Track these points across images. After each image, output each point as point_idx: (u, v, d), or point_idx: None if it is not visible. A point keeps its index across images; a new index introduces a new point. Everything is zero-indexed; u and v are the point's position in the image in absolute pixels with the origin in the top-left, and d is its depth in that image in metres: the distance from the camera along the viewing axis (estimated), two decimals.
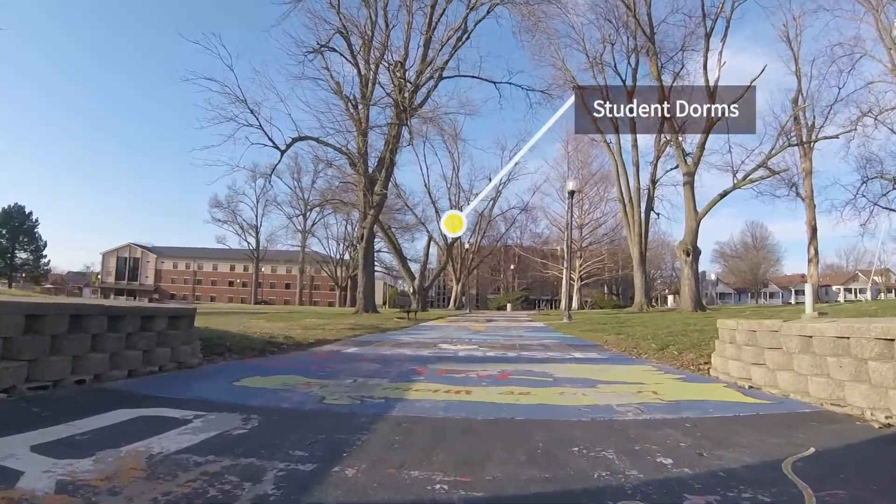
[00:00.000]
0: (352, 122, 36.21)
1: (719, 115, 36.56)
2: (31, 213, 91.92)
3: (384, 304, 58.89)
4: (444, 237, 62.41)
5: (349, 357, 9.93)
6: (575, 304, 65.33)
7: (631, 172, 44.87)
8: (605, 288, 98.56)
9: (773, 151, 38.84)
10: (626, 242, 77.19)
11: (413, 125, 49.24)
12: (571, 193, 28.38)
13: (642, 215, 43.87)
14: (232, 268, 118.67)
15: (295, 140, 34.48)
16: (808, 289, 24.28)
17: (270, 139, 33.02)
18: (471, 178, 71.07)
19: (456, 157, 65.31)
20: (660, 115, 44.39)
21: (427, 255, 52.74)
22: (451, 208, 64.25)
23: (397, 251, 48.22)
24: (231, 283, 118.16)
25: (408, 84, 33.71)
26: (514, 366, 8.71)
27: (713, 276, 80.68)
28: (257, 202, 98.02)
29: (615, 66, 44.58)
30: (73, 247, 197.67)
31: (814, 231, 50.69)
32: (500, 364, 8.97)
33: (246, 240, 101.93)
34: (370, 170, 36.57)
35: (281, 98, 35.90)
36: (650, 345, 11.29)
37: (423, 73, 34.95)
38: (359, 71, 35.08)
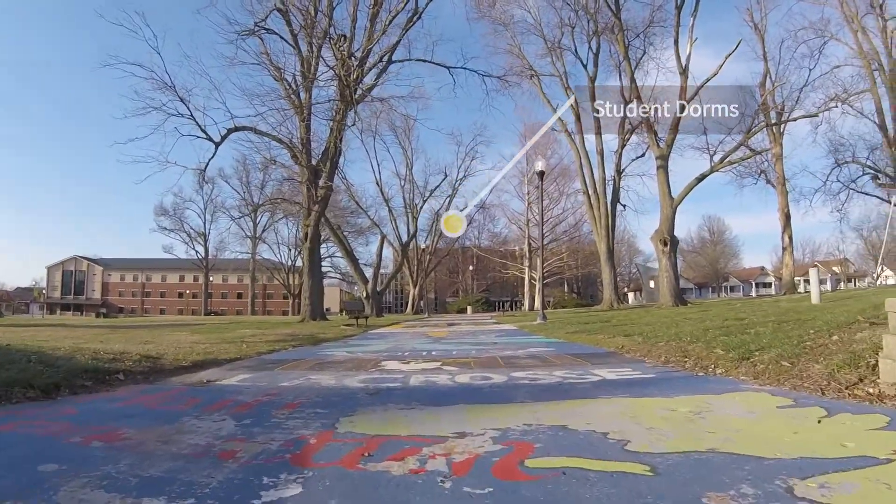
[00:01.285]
0: (293, 109, 31.90)
1: (693, 94, 33.90)
2: None
3: (340, 311, 54.03)
4: (399, 238, 58.13)
5: (209, 398, 5.51)
6: (537, 303, 61.46)
7: (595, 162, 41.36)
8: (566, 287, 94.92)
9: (753, 130, 35.59)
10: (587, 239, 75.56)
11: (361, 113, 45.20)
12: (541, 174, 24.23)
13: (608, 207, 40.35)
14: (181, 278, 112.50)
15: (231, 131, 30.00)
16: (813, 274, 20.74)
17: (203, 130, 28.90)
18: (426, 173, 66.82)
19: (409, 152, 61.05)
20: (626, 98, 41.33)
21: (380, 256, 48.45)
22: (405, 206, 60.27)
23: (348, 252, 43.64)
24: (181, 295, 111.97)
25: (353, 58, 29.23)
26: (524, 415, 4.30)
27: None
28: (205, 209, 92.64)
29: (575, 51, 41.19)
30: (17, 261, 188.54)
31: (787, 218, 47.56)
32: (492, 412, 4.56)
33: (194, 248, 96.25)
34: (314, 161, 32.39)
35: (215, 85, 31.07)
36: (710, 350, 7.21)
37: (371, 49, 30.66)
38: (299, 52, 30.96)
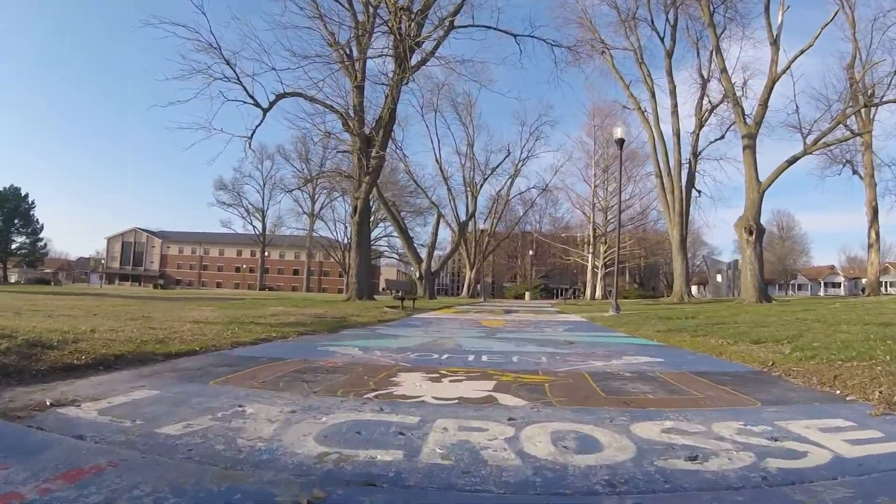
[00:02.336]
0: (345, 73, 28.99)
1: (785, 67, 29.85)
2: (27, 196, 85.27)
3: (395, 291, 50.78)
4: (457, 218, 54.95)
5: None
6: (598, 292, 57.80)
7: (671, 144, 37.49)
8: (627, 276, 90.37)
9: (848, 110, 31.30)
10: (652, 228, 71.34)
11: (422, 88, 42.20)
12: (621, 143, 20.58)
13: (683, 192, 36.67)
14: (239, 253, 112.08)
15: (279, 97, 27.30)
16: None
17: (251, 96, 26.14)
18: (487, 151, 63.37)
19: (471, 130, 57.71)
20: (704, 77, 37.35)
21: (436, 235, 45.09)
22: (465, 185, 56.95)
23: (402, 230, 40.54)
24: (238, 269, 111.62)
25: (408, 12, 26.05)
26: None
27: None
28: (263, 184, 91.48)
29: (651, 22, 37.37)
30: (77, 232, 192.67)
31: (875, 212, 42.87)
32: None
33: (252, 224, 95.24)
34: (367, 130, 29.43)
35: (265, 48, 27.97)
36: None
37: (430, 4, 27.42)
38: (353, 11, 28.00)
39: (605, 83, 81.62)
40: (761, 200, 29.32)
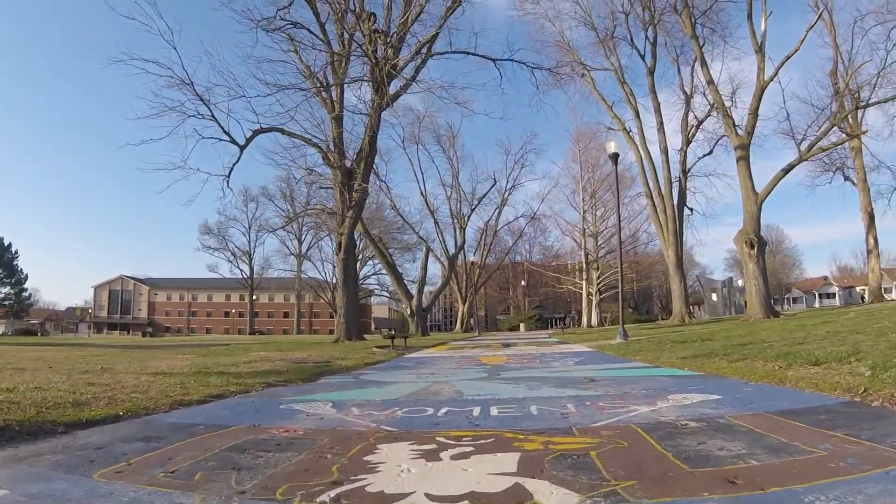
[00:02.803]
0: (323, 106, 28.15)
1: (772, 74, 28.86)
2: (9, 246, 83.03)
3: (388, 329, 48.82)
4: (446, 251, 53.57)
5: None
6: (594, 319, 56.26)
7: (659, 163, 36.60)
8: (620, 301, 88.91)
9: (839, 114, 30.26)
10: (643, 251, 70.05)
11: (402, 120, 41.31)
12: (615, 157, 19.19)
13: (675, 211, 35.70)
14: (227, 297, 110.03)
15: (256, 133, 26.31)
16: None
17: (226, 132, 25.24)
18: (473, 181, 61.98)
19: (455, 161, 56.74)
20: (687, 93, 36.52)
21: (425, 269, 43.38)
22: (452, 217, 55.71)
23: (390, 266, 38.87)
24: (227, 314, 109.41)
25: (383, 35, 24.89)
26: None
27: (740, 283, 71.61)
28: (249, 227, 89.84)
29: (631, 40, 37.05)
30: (64, 281, 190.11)
31: (871, 218, 42.11)
32: None
33: (238, 267, 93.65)
34: (348, 163, 28.56)
35: (239, 84, 26.66)
36: None
37: (405, 31, 26.37)
38: (328, 43, 27.05)
39: (588, 106, 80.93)
40: (760, 212, 28.15)
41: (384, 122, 32.40)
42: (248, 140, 26.22)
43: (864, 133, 36.46)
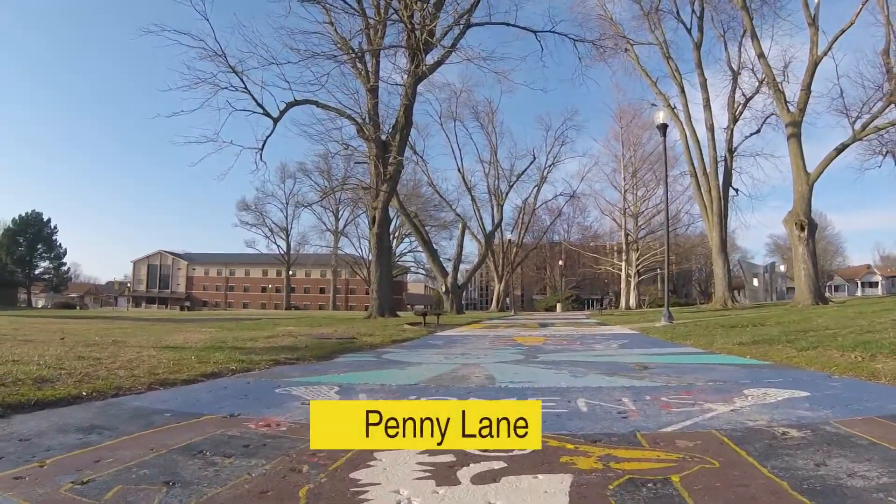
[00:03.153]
0: (358, 77, 27.34)
1: (826, 49, 26.98)
2: (48, 220, 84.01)
3: (425, 307, 47.86)
4: (483, 229, 52.46)
5: None
6: (632, 301, 54.81)
7: (705, 141, 34.67)
8: (659, 283, 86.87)
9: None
10: (684, 233, 67.71)
11: (439, 95, 40.32)
12: (663, 129, 17.94)
13: (720, 191, 33.92)
14: (264, 273, 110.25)
15: (290, 105, 25.63)
16: None
17: (259, 105, 24.57)
18: (511, 157, 60.54)
19: (493, 137, 55.32)
20: (735, 70, 34.73)
21: (461, 246, 42.11)
22: (490, 194, 54.51)
23: (425, 242, 37.93)
24: (264, 289, 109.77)
25: (420, 1, 23.89)
26: None
27: (783, 268, 69.47)
28: (286, 203, 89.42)
29: (677, 13, 34.75)
30: (105, 256, 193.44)
31: None
32: None
33: (276, 242, 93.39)
34: (383, 136, 27.61)
35: (273, 56, 25.76)
36: None
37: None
38: (362, 9, 26.02)
39: (631, 82, 78.80)
40: (811, 193, 26.60)
41: (421, 97, 31.46)
42: (282, 112, 25.72)
43: None
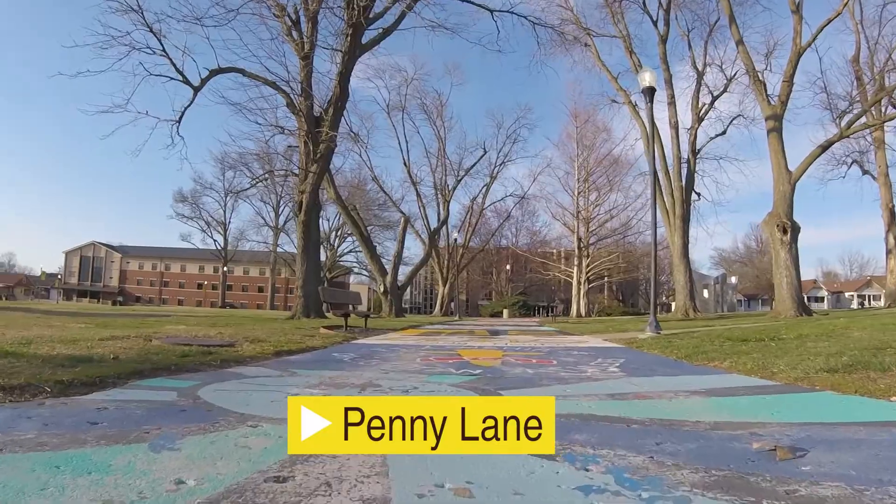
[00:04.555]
0: (292, 44, 23.65)
1: (811, 40, 24.61)
2: None
3: (370, 309, 42.76)
4: (427, 227, 48.60)
5: None
6: (582, 309, 51.66)
7: (668, 139, 32.44)
8: (605, 292, 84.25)
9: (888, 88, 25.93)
10: (637, 239, 65.02)
11: (389, 83, 36.71)
12: (651, 92, 14.13)
13: (683, 193, 31.55)
14: (201, 269, 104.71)
15: (213, 73, 22.41)
16: None
17: (179, 71, 21.51)
18: (461, 150, 56.75)
19: (442, 133, 51.65)
20: (699, 70, 32.26)
21: (402, 243, 37.65)
22: (436, 189, 50.77)
23: (363, 237, 33.57)
24: (200, 286, 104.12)
25: None
26: None
27: (733, 280, 67.54)
28: (225, 196, 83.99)
29: (644, 4, 32.09)
30: (42, 247, 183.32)
31: (892, 215, 38.05)
32: None
33: (212, 237, 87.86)
34: (317, 111, 23.93)
35: (196, 17, 21.38)
36: None
37: None
38: None
39: (589, 80, 76.32)
40: (793, 192, 23.77)
41: (367, 85, 27.64)
42: (204, 81, 22.20)
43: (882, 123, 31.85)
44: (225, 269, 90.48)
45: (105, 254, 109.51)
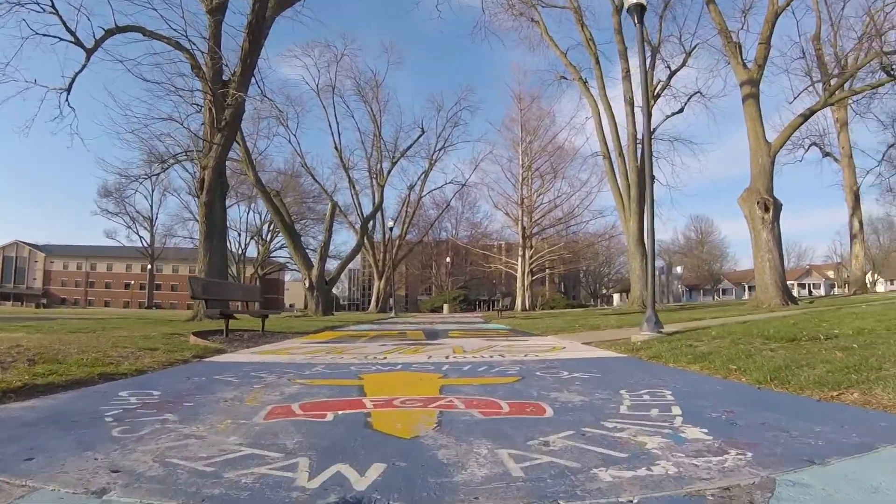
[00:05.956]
0: None
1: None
2: None
3: (305, 307, 38.13)
4: (361, 215, 44.38)
5: None
6: (527, 302, 48.16)
7: (622, 117, 28.94)
8: (548, 284, 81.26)
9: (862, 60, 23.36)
10: (581, 230, 62.09)
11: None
12: (640, 10, 10.42)
13: (638, 175, 27.88)
14: (128, 268, 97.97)
15: (110, 32, 18.29)
16: None
17: (69, 30, 17.48)
18: (396, 131, 53.21)
19: (378, 115, 47.48)
20: (654, 47, 29.30)
21: (330, 231, 32.92)
22: (370, 173, 46.57)
23: (285, 225, 28.84)
24: (127, 286, 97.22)
25: None
26: None
27: (678, 270, 65.48)
28: (152, 190, 77.46)
29: None
30: None
31: (857, 198, 36.37)
32: None
33: (137, 233, 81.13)
34: (227, 75, 19.74)
35: None
36: None
37: None
38: None
39: (534, 59, 73.66)
40: (773, 166, 20.82)
41: (294, 60, 23.33)
42: (99, 42, 18.03)
43: (845, 101, 29.31)
44: (151, 267, 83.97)
45: (28, 253, 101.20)
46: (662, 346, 7.07)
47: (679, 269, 64.97)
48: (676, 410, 3.32)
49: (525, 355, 6.95)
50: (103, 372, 5.25)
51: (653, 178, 26.16)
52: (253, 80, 20.33)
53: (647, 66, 29.79)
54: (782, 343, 6.28)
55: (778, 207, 20.13)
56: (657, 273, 56.61)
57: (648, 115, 10.96)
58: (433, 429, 2.90)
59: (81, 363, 5.57)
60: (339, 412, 3.39)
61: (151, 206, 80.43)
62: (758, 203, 19.84)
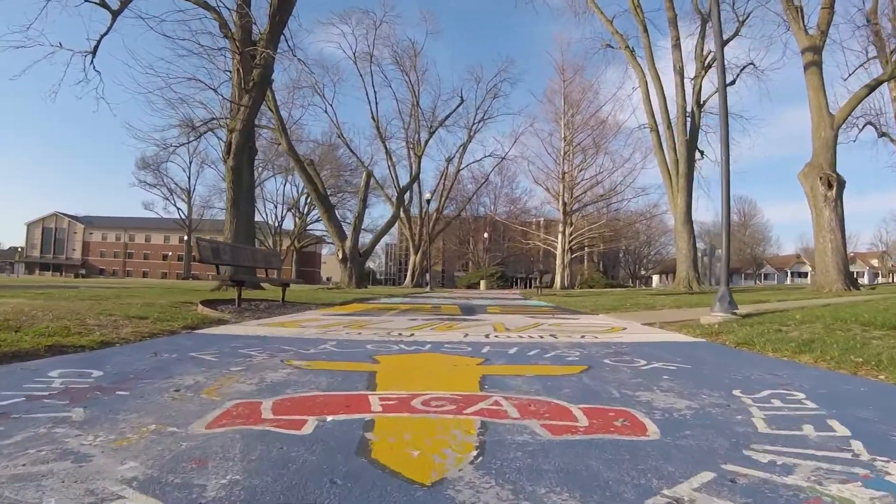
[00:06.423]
0: None
1: None
2: None
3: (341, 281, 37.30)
4: (398, 186, 43.13)
5: None
6: (566, 280, 46.55)
7: (672, 88, 27.05)
8: (585, 263, 79.16)
9: None
10: (624, 208, 60.07)
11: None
12: None
13: (688, 150, 26.37)
14: (166, 239, 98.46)
15: None
16: None
17: None
18: (434, 100, 52.73)
19: (417, 86, 45.97)
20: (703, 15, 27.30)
21: (364, 202, 31.57)
22: (408, 146, 45.18)
23: (318, 195, 27.74)
24: (165, 257, 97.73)
25: None
26: None
27: (720, 252, 63.09)
28: (190, 161, 77.37)
29: None
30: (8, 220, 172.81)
31: None
32: None
33: (175, 205, 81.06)
34: (255, 32, 18.71)
35: None
36: None
37: None
38: None
39: (578, 28, 71.51)
40: (836, 140, 18.89)
41: (332, 29, 22.16)
42: (125, 3, 17.07)
43: None
44: (188, 238, 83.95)
45: (68, 225, 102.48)
46: (746, 329, 5.78)
47: (720, 252, 62.62)
48: (840, 428, 2.14)
49: (582, 336, 5.69)
50: (57, 343, 4.27)
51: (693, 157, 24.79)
52: (283, 40, 19.34)
53: (699, 36, 28.23)
54: (885, 331, 5.08)
55: (841, 185, 18.26)
56: (702, 255, 54.62)
57: (723, 78, 9.32)
58: (471, 462, 1.69)
59: (40, 332, 4.58)
60: (328, 418, 2.21)
61: (189, 178, 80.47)
62: (820, 178, 18.04)
